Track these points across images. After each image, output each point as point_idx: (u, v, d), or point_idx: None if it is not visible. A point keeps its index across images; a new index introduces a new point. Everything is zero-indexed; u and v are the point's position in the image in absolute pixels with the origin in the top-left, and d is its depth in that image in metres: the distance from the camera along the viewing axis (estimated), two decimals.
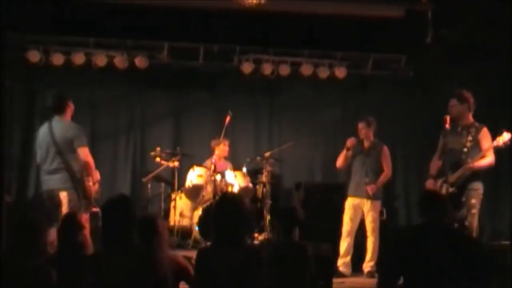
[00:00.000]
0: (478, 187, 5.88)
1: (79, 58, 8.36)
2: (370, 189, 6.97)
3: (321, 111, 9.24)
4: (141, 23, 7.89)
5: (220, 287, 3.59)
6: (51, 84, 8.62)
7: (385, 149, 7.22)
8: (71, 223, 4.09)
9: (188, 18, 7.80)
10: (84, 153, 5.94)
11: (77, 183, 5.91)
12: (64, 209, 5.79)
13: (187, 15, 7.75)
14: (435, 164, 6.20)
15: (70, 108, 6.17)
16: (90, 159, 5.98)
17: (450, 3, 7.32)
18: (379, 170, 7.12)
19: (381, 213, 7.90)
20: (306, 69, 8.82)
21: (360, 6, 7.73)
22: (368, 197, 6.99)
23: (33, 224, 3.77)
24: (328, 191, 7.95)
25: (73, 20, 7.72)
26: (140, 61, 8.46)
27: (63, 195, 5.84)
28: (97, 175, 6.11)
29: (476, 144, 5.90)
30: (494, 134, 8.97)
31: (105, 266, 3.45)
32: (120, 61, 8.43)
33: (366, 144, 7.20)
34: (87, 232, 4.19)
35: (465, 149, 5.89)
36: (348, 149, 7.15)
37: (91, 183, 5.97)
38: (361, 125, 7.21)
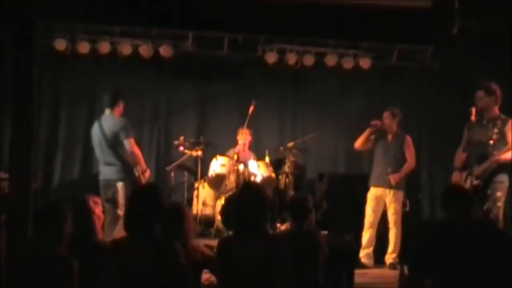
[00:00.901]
0: (504, 179, 5.83)
1: (104, 47, 8.41)
2: (393, 178, 6.95)
3: (346, 102, 9.19)
4: (166, 12, 7.92)
5: (243, 276, 3.60)
6: (77, 73, 8.71)
7: (408, 139, 7.20)
8: (81, 208, 4.12)
9: (213, 7, 7.80)
10: (130, 144, 6.26)
11: (129, 174, 6.23)
12: (121, 198, 6.17)
13: (211, 4, 7.75)
14: (460, 156, 6.15)
15: (120, 106, 6.48)
16: (136, 150, 6.30)
17: None
18: (402, 161, 7.10)
19: (404, 204, 7.87)
20: (331, 60, 8.77)
21: None
22: (391, 187, 6.98)
23: (58, 211, 3.80)
24: (352, 182, 7.93)
25: (99, 9, 7.76)
26: (165, 50, 8.49)
27: (120, 185, 6.21)
28: (144, 166, 6.37)
29: (502, 136, 5.84)
30: None
31: (125, 255, 3.47)
32: (145, 50, 8.47)
33: (390, 134, 7.17)
34: (97, 217, 4.24)
35: (491, 142, 5.83)
36: (371, 128, 7.12)
37: (140, 173, 6.26)
38: (386, 115, 7.20)
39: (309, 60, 8.76)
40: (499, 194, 5.75)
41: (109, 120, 6.39)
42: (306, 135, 8.44)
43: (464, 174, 5.97)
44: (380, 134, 7.24)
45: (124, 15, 7.98)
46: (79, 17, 8.03)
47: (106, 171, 6.37)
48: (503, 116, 5.99)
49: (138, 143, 8.79)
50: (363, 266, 6.77)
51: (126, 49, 8.46)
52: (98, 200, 4.42)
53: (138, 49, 8.48)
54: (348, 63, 8.80)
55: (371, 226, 6.99)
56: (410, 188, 8.98)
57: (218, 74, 9.08)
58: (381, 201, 7.03)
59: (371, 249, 6.96)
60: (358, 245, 6.86)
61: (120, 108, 6.47)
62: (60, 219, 3.75)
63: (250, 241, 3.65)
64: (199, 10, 7.92)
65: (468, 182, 5.84)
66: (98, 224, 4.22)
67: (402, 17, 7.82)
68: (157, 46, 8.51)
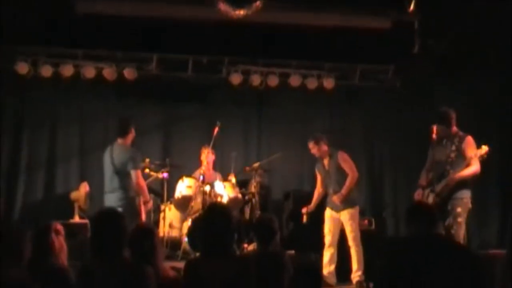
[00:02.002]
0: (464, 196, 5.93)
1: (68, 70, 8.36)
2: (336, 199, 6.97)
3: (310, 121, 9.27)
4: (129, 34, 7.92)
5: None
6: (39, 96, 8.64)
7: (341, 154, 7.17)
8: (46, 229, 4.07)
9: (177, 29, 7.84)
10: (136, 175, 6.40)
11: (129, 203, 6.36)
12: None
13: (175, 27, 7.78)
14: (425, 175, 6.27)
15: (132, 134, 6.65)
16: (141, 181, 6.45)
17: (437, 14, 7.39)
18: (342, 178, 7.06)
19: (369, 222, 7.95)
20: (295, 80, 8.85)
21: (347, 17, 7.80)
22: (342, 207, 6.98)
23: (18, 235, 3.76)
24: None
25: (62, 32, 7.74)
26: (129, 73, 8.47)
27: None
28: (148, 197, 6.55)
29: (460, 154, 5.96)
30: (482, 144, 9.07)
31: (94, 279, 3.43)
32: (109, 72, 8.44)
33: (325, 158, 7.22)
34: (62, 239, 4.19)
35: (449, 160, 5.96)
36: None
37: (141, 203, 6.44)
38: (311, 145, 7.20)
39: (273, 81, 8.82)
40: (459, 210, 5.85)
41: (119, 149, 6.56)
42: (271, 155, 8.48)
43: (427, 191, 6.08)
44: (319, 165, 7.28)
45: (87, 37, 7.96)
46: (41, 40, 7.98)
47: (109, 198, 6.50)
48: (461, 133, 6.13)
49: (103, 166, 8.89)
50: (327, 284, 6.77)
51: (89, 72, 8.42)
52: (61, 227, 4.37)
53: (102, 72, 8.45)
54: (312, 84, 8.89)
55: (330, 245, 6.97)
56: (374, 206, 9.13)
57: (182, 96, 9.09)
58: (337, 221, 7.04)
59: (333, 267, 6.96)
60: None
61: (131, 136, 6.65)
62: (20, 243, 3.70)
63: (217, 262, 3.64)
64: (163, 33, 7.95)
65: (430, 199, 5.95)
66: (60, 250, 4.15)
67: (363, 38, 7.97)
68: (121, 69, 8.49)
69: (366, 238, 7.43)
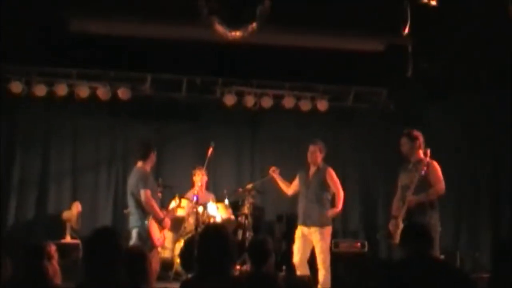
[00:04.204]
0: (431, 219, 5.96)
1: (61, 90, 8.35)
2: (331, 214, 7.00)
3: (303, 142, 9.21)
4: (123, 54, 7.93)
5: None
6: (32, 115, 8.62)
7: (330, 171, 7.18)
8: (39, 253, 4.03)
9: (171, 50, 7.85)
10: (145, 195, 6.53)
11: (143, 222, 6.54)
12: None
13: (170, 47, 7.79)
14: (396, 204, 6.31)
15: (152, 158, 6.81)
16: (150, 201, 6.56)
17: (430, 38, 7.44)
18: (321, 192, 7.08)
19: (362, 245, 7.92)
20: (288, 102, 8.88)
21: (341, 40, 7.84)
22: (316, 224, 6.93)
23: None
24: None
25: (55, 51, 7.73)
26: (123, 93, 8.47)
27: (134, 233, 6.55)
28: (161, 214, 6.67)
29: (424, 179, 6.02)
30: (473, 166, 9.13)
31: None
32: (102, 92, 8.44)
33: (312, 168, 7.19)
34: (55, 262, 4.16)
35: (412, 185, 6.02)
36: (272, 176, 7.31)
37: (153, 222, 6.57)
38: (312, 148, 7.21)
39: (267, 102, 8.84)
40: None
41: (135, 172, 6.75)
42: (264, 177, 8.46)
43: (399, 220, 6.10)
44: (302, 176, 7.26)
45: (81, 57, 7.96)
46: (35, 59, 7.97)
47: (130, 219, 6.74)
48: (425, 160, 6.19)
49: (96, 185, 8.86)
50: None
51: (83, 91, 8.41)
52: (54, 247, 4.33)
53: (95, 92, 8.44)
54: (305, 105, 8.91)
55: (299, 266, 6.88)
56: (367, 229, 9.11)
57: (176, 116, 9.08)
58: (307, 239, 6.99)
59: None
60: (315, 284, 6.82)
61: (151, 160, 6.79)
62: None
63: (213, 283, 3.60)
64: (157, 53, 7.96)
65: (400, 226, 5.97)
66: (54, 274, 4.11)
67: (357, 60, 8.00)
68: (114, 88, 8.49)
69: (358, 260, 7.42)
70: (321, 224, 6.94)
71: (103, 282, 3.42)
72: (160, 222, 6.61)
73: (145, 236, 6.49)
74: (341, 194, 7.11)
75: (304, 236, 6.96)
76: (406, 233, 4.02)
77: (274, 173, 7.44)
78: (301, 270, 6.88)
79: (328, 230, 7.02)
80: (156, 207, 6.67)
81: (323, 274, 6.83)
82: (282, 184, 7.41)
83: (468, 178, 9.10)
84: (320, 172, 7.13)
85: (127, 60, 8.13)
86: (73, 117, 8.81)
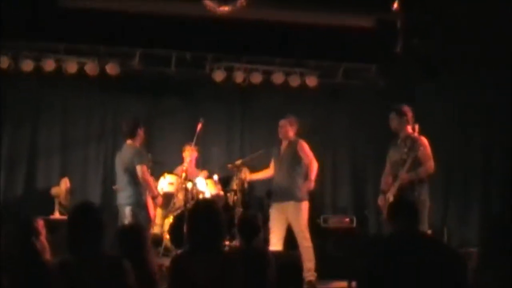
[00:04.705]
0: (421, 194, 5.99)
1: (49, 65, 8.26)
2: (304, 189, 6.92)
3: None
4: (112, 29, 7.86)
5: None
6: (20, 91, 8.54)
7: (302, 142, 7.14)
8: (27, 229, 4.03)
9: (160, 25, 7.80)
10: (141, 170, 6.59)
11: (138, 200, 6.62)
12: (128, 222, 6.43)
13: (159, 22, 7.74)
14: (386, 179, 6.34)
15: (141, 135, 6.88)
16: (147, 176, 6.65)
17: (420, 14, 7.42)
18: (294, 166, 7.03)
19: (351, 221, 7.96)
20: (278, 78, 8.84)
21: (331, 16, 7.81)
22: (291, 199, 6.91)
23: None
24: None
25: (43, 26, 7.66)
26: (112, 68, 8.40)
27: (127, 210, 6.59)
28: (156, 191, 6.83)
29: (413, 154, 6.04)
30: (464, 143, 9.17)
31: (72, 274, 3.40)
32: (91, 67, 8.36)
33: (284, 142, 7.15)
34: (43, 237, 4.16)
35: (402, 161, 6.06)
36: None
37: (149, 199, 6.68)
38: (282, 123, 7.19)
39: (256, 78, 8.81)
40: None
41: (126, 148, 6.79)
42: (254, 152, 8.46)
43: (388, 195, 6.15)
44: (275, 151, 7.23)
45: (69, 32, 7.89)
46: (22, 34, 7.88)
47: (119, 196, 6.80)
48: (414, 135, 6.22)
49: (85, 161, 8.83)
50: None
51: (71, 67, 8.33)
52: (42, 222, 4.33)
53: (84, 67, 8.37)
54: (295, 81, 8.89)
55: (276, 243, 6.85)
56: (356, 205, 9.15)
57: (165, 92, 9.04)
58: (283, 217, 6.97)
59: None
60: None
61: (140, 136, 6.86)
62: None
63: (204, 258, 3.62)
64: (146, 28, 7.90)
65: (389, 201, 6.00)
66: (45, 244, 4.13)
67: (346, 36, 7.98)
68: (103, 64, 8.42)
69: (347, 236, 7.46)
70: (296, 199, 6.91)
71: (85, 257, 3.44)
72: (154, 198, 6.67)
73: (140, 212, 6.55)
74: (314, 166, 7.04)
75: (279, 213, 6.93)
76: (392, 209, 4.03)
77: (249, 177, 7.36)
78: (279, 247, 6.85)
79: (305, 204, 6.98)
80: (152, 183, 6.75)
81: (305, 247, 6.79)
82: (262, 175, 7.39)
83: (458, 154, 9.13)
84: (292, 146, 7.09)
85: (115, 35, 8.05)
86: (62, 93, 8.74)
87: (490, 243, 3.59)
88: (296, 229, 6.88)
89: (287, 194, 6.93)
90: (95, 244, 3.48)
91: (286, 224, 6.91)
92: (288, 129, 7.15)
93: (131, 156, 6.66)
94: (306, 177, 7.08)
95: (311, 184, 6.97)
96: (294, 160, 7.04)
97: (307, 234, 6.87)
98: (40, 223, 4.23)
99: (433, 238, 5.05)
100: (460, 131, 9.19)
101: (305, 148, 7.11)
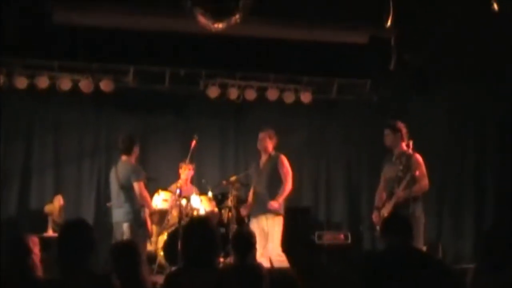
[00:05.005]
0: (415, 211, 6.00)
1: (43, 82, 8.25)
2: (271, 205, 6.83)
3: (287, 135, 9.24)
4: (106, 46, 7.88)
5: None
6: (14, 108, 8.52)
7: (282, 159, 7.08)
8: (19, 246, 4.01)
9: (154, 41, 7.81)
10: (139, 187, 6.62)
11: (136, 216, 6.64)
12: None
13: (153, 39, 7.75)
14: (380, 196, 6.34)
15: (136, 151, 6.89)
16: (144, 193, 6.69)
17: (414, 30, 7.46)
18: (272, 182, 6.97)
19: (345, 236, 7.94)
20: (272, 94, 8.86)
21: (325, 32, 7.84)
22: (268, 212, 6.84)
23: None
24: (294, 215, 7.95)
25: (37, 43, 7.66)
26: (106, 85, 8.40)
27: (126, 226, 6.59)
28: (152, 208, 6.92)
29: (408, 171, 6.06)
30: (457, 158, 9.18)
31: None
32: (85, 84, 8.36)
33: (264, 156, 7.11)
34: (36, 256, 4.13)
35: (397, 178, 6.07)
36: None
37: (147, 215, 6.73)
38: (261, 135, 7.17)
39: (251, 95, 8.82)
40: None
41: (123, 165, 6.79)
42: (248, 169, 8.44)
43: (382, 212, 6.15)
44: (256, 162, 7.18)
45: (63, 49, 7.89)
46: (15, 51, 7.88)
47: (116, 213, 6.79)
48: (408, 152, 6.24)
49: (78, 179, 8.80)
50: None
51: (65, 84, 8.32)
52: (36, 240, 4.30)
53: (78, 84, 8.36)
54: (289, 97, 8.90)
55: (259, 257, 6.82)
56: (351, 220, 9.13)
57: (159, 108, 9.04)
58: (262, 230, 6.89)
59: None
60: (299, 277, 6.80)
61: (136, 153, 6.87)
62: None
63: (198, 275, 3.60)
64: (140, 44, 7.91)
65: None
66: (37, 262, 4.09)
67: (340, 52, 8.01)
68: (97, 80, 8.41)
69: (342, 252, 7.43)
70: (275, 212, 6.85)
71: (74, 275, 3.41)
72: (150, 214, 6.73)
73: (138, 229, 6.58)
74: (288, 186, 6.99)
75: (258, 226, 6.89)
76: (386, 225, 4.03)
77: (244, 212, 7.32)
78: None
79: (280, 219, 6.92)
80: (149, 199, 6.78)
81: (278, 260, 6.65)
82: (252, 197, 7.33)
83: (451, 169, 9.14)
84: (272, 160, 7.05)
85: (109, 52, 8.06)
86: (55, 110, 8.73)
87: (484, 257, 3.59)
88: (270, 243, 6.80)
89: (264, 208, 6.89)
90: (85, 261, 3.46)
91: (267, 237, 6.87)
92: (268, 142, 7.14)
93: (127, 172, 6.66)
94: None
95: (276, 204, 6.86)
96: (273, 175, 7.00)
97: (279, 249, 6.81)
98: (35, 240, 4.20)
99: (427, 254, 5.04)
100: (453, 145, 9.21)
101: (285, 164, 7.08)
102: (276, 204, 6.83)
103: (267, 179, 7.00)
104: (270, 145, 7.12)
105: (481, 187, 9.10)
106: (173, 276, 3.75)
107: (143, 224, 6.71)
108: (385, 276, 3.64)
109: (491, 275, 3.46)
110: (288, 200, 8.55)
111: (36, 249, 4.15)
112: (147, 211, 6.73)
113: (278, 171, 7.01)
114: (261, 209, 6.92)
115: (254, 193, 7.17)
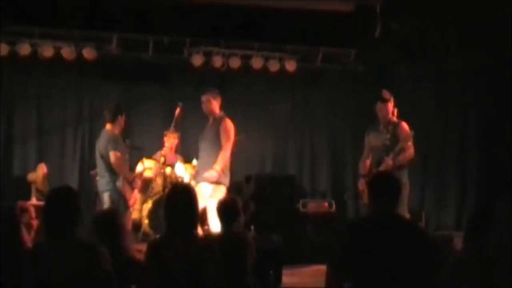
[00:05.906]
0: (402, 179, 6.02)
1: (24, 49, 8.13)
2: (206, 176, 6.44)
3: (272, 104, 9.25)
4: (89, 13, 7.77)
5: (173, 279, 3.53)
6: None
7: (226, 122, 6.64)
8: (8, 217, 3.99)
9: (138, 9, 7.72)
10: (114, 156, 6.51)
11: (115, 185, 6.54)
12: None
13: (136, 6, 7.66)
14: (364, 163, 6.36)
15: (121, 121, 6.74)
16: (119, 162, 6.53)
17: None
18: (214, 148, 6.59)
19: (330, 205, 7.98)
20: (257, 62, 8.80)
21: (310, 0, 7.78)
22: (206, 180, 6.50)
23: None
24: (278, 183, 7.99)
25: (18, 9, 7.53)
26: (89, 53, 8.30)
27: (106, 196, 6.56)
28: (131, 177, 6.66)
29: (395, 139, 6.09)
30: (441, 127, 9.24)
31: (44, 259, 3.37)
32: (67, 52, 8.25)
33: (210, 118, 6.80)
34: (24, 224, 4.13)
35: (385, 146, 6.10)
36: None
37: (125, 185, 6.56)
38: (204, 98, 6.80)
39: (235, 63, 8.76)
40: None
41: (103, 134, 6.70)
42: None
43: (367, 179, 6.16)
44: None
45: (44, 16, 7.77)
46: None
47: (99, 183, 6.74)
48: (395, 120, 6.26)
49: (62, 147, 8.75)
50: None
51: (47, 51, 8.21)
52: (26, 206, 4.29)
53: (60, 52, 8.26)
54: (274, 66, 8.85)
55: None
56: (335, 189, 9.18)
57: (143, 77, 8.96)
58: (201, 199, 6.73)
59: None
60: (284, 245, 6.86)
61: (120, 122, 6.74)
62: None
63: (181, 244, 3.60)
64: (124, 12, 7.81)
65: None
66: (24, 232, 4.07)
67: (325, 21, 7.96)
68: (80, 48, 8.31)
69: (326, 220, 7.47)
70: (210, 182, 6.47)
71: (59, 241, 3.41)
72: (130, 182, 6.60)
73: (118, 198, 6.50)
74: (224, 153, 6.51)
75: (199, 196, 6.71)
76: (376, 184, 3.88)
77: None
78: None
79: (222, 188, 6.50)
80: (125, 168, 6.68)
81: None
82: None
83: (435, 138, 9.20)
84: (216, 123, 6.67)
85: (92, 19, 7.96)
86: (38, 78, 8.64)
87: (472, 238, 3.61)
88: (209, 212, 6.33)
89: (204, 175, 6.52)
90: (72, 228, 3.45)
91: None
92: (212, 104, 6.73)
93: (105, 142, 6.60)
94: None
95: (212, 173, 6.38)
96: (216, 139, 6.57)
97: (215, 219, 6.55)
98: (23, 207, 4.20)
99: (410, 222, 5.04)
100: (437, 115, 9.25)
101: (227, 128, 6.59)
102: (213, 172, 6.39)
103: (209, 144, 6.62)
104: (215, 106, 6.75)
105: (464, 156, 9.18)
106: (155, 244, 3.74)
107: (121, 195, 6.57)
108: (365, 242, 3.63)
109: (477, 242, 3.49)
110: (275, 168, 8.56)
111: (25, 218, 4.16)
112: (122, 181, 6.54)
113: (219, 135, 6.58)
114: (200, 177, 6.60)
115: (197, 161, 6.94)
